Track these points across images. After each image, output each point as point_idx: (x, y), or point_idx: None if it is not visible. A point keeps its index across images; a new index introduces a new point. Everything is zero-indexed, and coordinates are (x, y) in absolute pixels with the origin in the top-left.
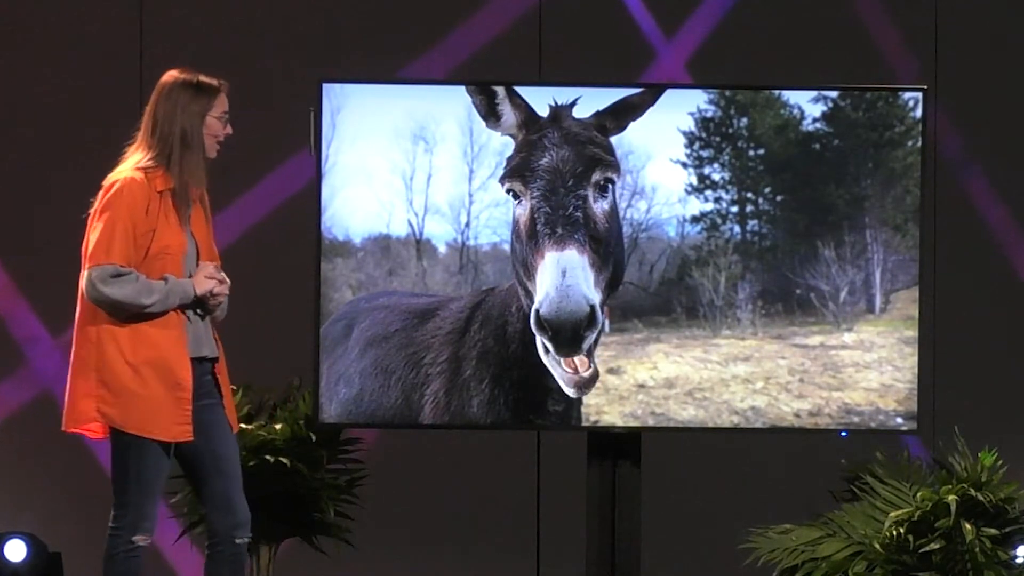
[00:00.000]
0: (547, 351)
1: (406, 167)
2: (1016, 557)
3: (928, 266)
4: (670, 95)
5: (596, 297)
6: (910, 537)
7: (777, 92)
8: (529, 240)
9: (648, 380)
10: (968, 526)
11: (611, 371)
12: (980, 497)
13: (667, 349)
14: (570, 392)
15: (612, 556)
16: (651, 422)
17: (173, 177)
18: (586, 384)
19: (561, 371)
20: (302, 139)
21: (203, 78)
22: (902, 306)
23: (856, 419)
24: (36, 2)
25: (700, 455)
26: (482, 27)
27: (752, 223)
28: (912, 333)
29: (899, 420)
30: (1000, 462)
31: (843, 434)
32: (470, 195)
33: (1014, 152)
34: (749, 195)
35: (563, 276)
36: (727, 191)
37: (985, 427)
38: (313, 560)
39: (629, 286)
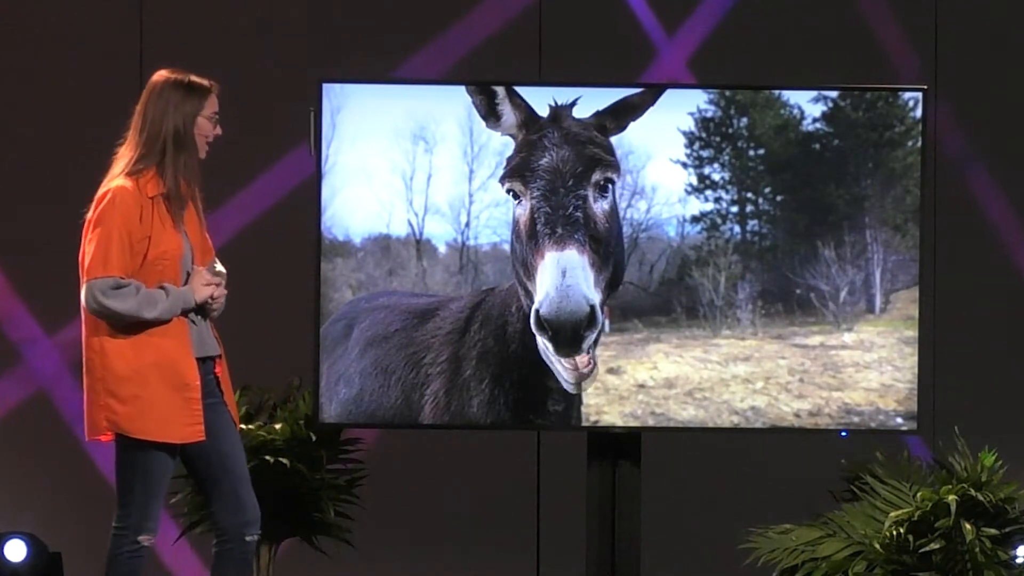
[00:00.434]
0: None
1: (406, 167)
2: (1016, 557)
3: (928, 266)
4: (670, 95)
5: (596, 297)
6: (910, 537)
7: (777, 92)
8: (529, 240)
9: (648, 380)
10: (968, 526)
11: (611, 371)
12: (980, 497)
13: (667, 349)
14: (569, 386)
15: (612, 556)
16: (651, 422)
17: (165, 178)
18: (585, 377)
19: (561, 366)
20: (302, 139)
21: (194, 78)
22: (902, 306)
23: (856, 419)
24: (36, 2)
25: (700, 455)
26: (482, 27)
27: (752, 223)
28: (912, 333)
29: (899, 420)
30: (1000, 462)
31: (843, 434)
32: (470, 195)
33: (1014, 152)
34: (749, 195)
35: (563, 276)
36: (727, 191)
37: (985, 427)
38: (313, 560)
39: (629, 286)
